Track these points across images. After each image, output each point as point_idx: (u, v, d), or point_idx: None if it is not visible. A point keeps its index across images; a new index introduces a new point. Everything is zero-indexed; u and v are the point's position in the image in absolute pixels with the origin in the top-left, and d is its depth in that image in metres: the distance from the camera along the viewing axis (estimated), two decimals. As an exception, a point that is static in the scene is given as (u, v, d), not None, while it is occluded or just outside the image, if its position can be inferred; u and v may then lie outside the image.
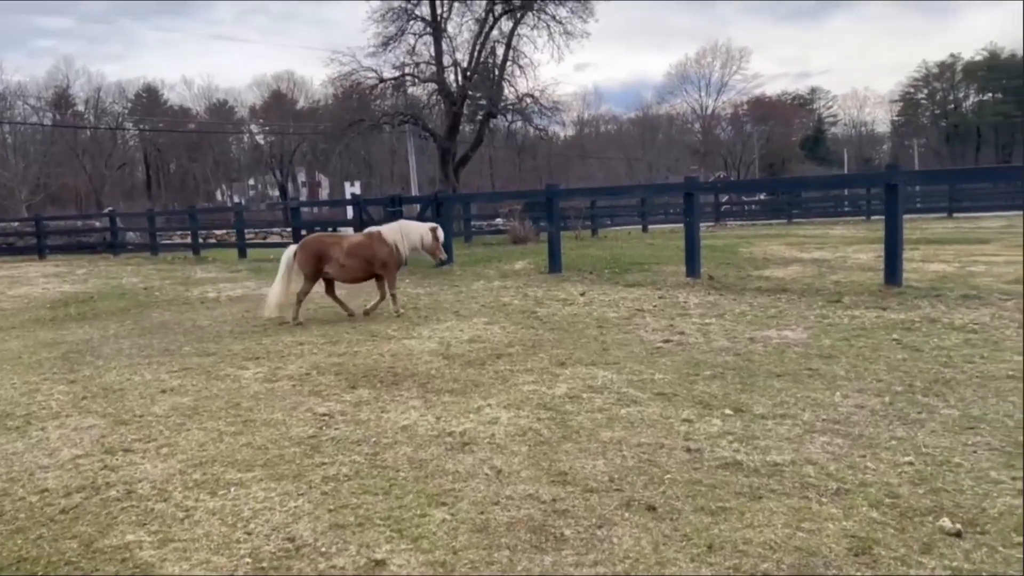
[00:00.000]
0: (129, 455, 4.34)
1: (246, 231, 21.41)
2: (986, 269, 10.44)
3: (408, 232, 9.04)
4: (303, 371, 6.19)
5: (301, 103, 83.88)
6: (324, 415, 4.91)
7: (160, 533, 3.33)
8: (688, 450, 4.04)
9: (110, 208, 34.99)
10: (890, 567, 2.80)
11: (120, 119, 79.01)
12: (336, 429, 4.62)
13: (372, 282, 9.07)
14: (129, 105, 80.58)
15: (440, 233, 9.17)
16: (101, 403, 5.50)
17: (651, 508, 3.34)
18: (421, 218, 14.11)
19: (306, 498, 3.61)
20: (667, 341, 6.74)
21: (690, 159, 79.63)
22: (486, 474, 3.81)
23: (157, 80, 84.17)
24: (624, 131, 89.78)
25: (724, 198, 35.25)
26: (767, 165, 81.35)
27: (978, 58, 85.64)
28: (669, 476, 3.70)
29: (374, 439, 4.40)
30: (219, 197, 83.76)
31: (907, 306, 7.71)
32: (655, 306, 8.59)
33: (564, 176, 68.91)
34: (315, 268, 8.72)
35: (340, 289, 9.23)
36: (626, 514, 3.30)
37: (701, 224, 25.27)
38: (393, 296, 9.00)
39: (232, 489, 3.76)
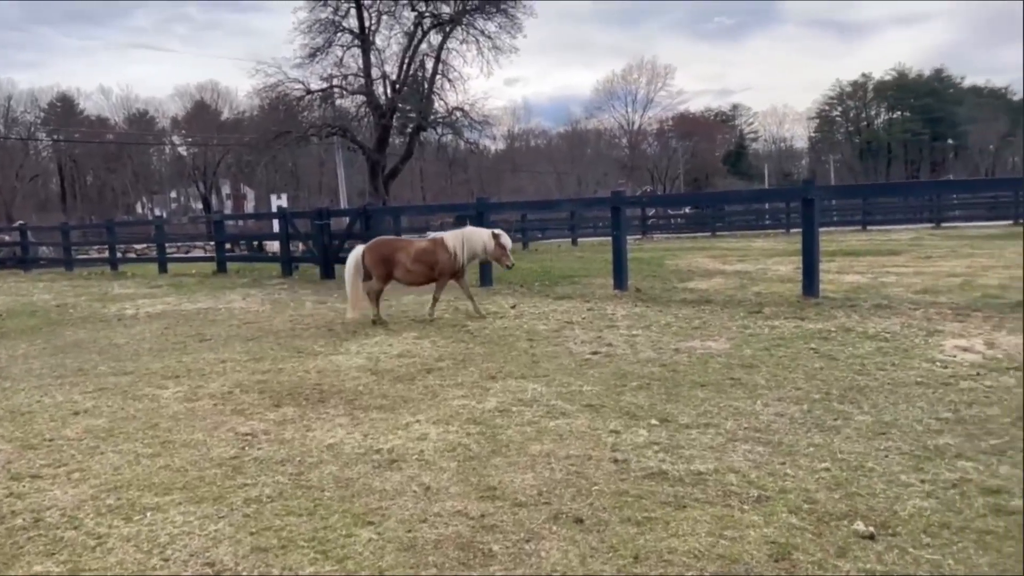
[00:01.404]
0: (37, 481, 4.12)
1: (168, 245, 20.72)
2: (897, 280, 10.93)
3: (470, 240, 9.03)
4: (225, 389, 6.01)
5: (226, 114, 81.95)
6: (247, 435, 4.78)
7: (70, 563, 3.17)
8: (615, 461, 4.08)
9: (20, 222, 33.36)
10: (808, 571, 2.88)
11: (32, 129, 75.63)
12: (259, 449, 4.50)
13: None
14: (43, 114, 77.26)
15: (505, 240, 9.10)
16: (8, 427, 5.22)
17: (579, 520, 3.36)
18: (349, 231, 13.94)
19: (227, 521, 3.50)
20: (595, 353, 6.82)
21: (618, 173, 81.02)
22: (414, 491, 3.76)
23: (73, 89, 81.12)
24: (554, 145, 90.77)
25: (651, 211, 36.01)
26: (692, 180, 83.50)
27: (887, 78, 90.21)
28: (597, 488, 3.73)
29: (298, 459, 4.30)
30: (139, 210, 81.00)
31: (824, 316, 7.99)
32: (584, 318, 8.68)
33: (495, 189, 69.14)
34: (386, 270, 8.87)
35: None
36: (554, 527, 3.31)
37: (629, 237, 25.71)
38: (435, 301, 9.13)
39: (148, 514, 3.61)
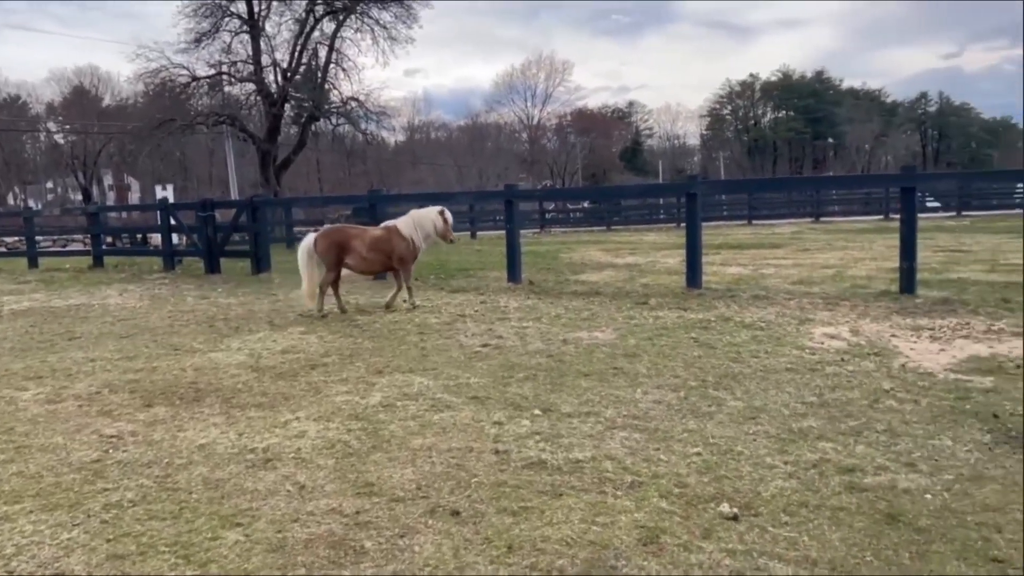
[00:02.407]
0: None
1: (43, 239, 19.45)
2: (776, 271, 11.46)
3: (421, 222, 8.91)
4: (93, 390, 5.68)
5: (107, 100, 77.55)
6: (112, 437, 4.52)
7: (-103, 583, 2.91)
8: (496, 452, 4.09)
9: None
10: (674, 554, 2.96)
11: None
12: (124, 451, 4.26)
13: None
14: None
15: (448, 215, 9.03)
16: None
17: (455, 513, 3.34)
18: (235, 224, 13.45)
19: (82, 528, 3.30)
20: (485, 345, 6.82)
21: (519, 168, 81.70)
22: (287, 491, 3.65)
23: (-70, 70, 74.78)
24: (454, 138, 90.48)
25: (551, 205, 36.48)
26: (590, 175, 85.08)
27: (773, 78, 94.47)
28: (476, 480, 3.72)
29: (166, 460, 4.10)
30: (11, 201, 75.72)
31: (705, 306, 8.29)
32: (477, 311, 8.68)
33: (395, 181, 68.38)
34: (337, 258, 8.61)
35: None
36: (430, 521, 3.28)
37: (528, 231, 25.69)
38: (409, 289, 8.99)
39: (-7, 526, 3.36)
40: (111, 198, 77.90)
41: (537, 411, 4.78)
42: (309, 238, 8.74)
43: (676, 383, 5.32)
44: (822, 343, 6.39)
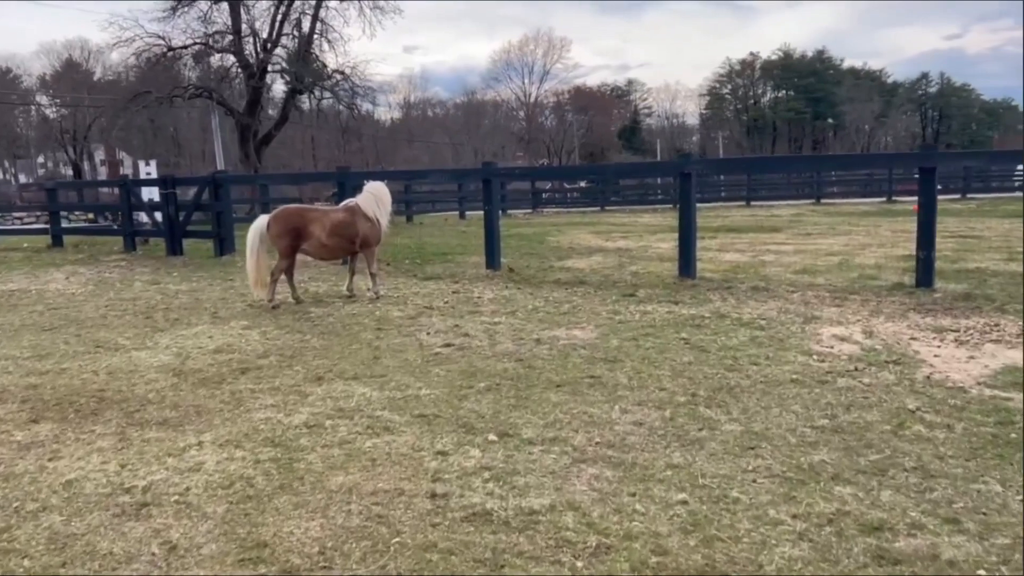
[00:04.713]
0: None
1: (10, 216, 18.52)
2: (776, 259, 10.61)
3: (382, 197, 8.11)
4: (-22, 399, 4.84)
5: (99, 74, 75.94)
6: (-34, 468, 3.69)
7: None
8: (433, 496, 3.27)
9: None
10: (644, 671, 2.14)
11: None
12: (-30, 491, 3.43)
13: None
14: None
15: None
16: None
17: (359, 596, 2.52)
18: (196, 202, 12.53)
19: None
20: (448, 345, 5.99)
21: (515, 146, 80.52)
22: (152, 555, 2.83)
23: (-88, 41, 73.19)
24: (451, 116, 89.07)
25: (547, 185, 35.48)
26: (587, 153, 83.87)
27: (774, 57, 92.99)
28: (399, 540, 2.91)
29: (16, 504, 3.27)
30: (1, 175, 74.65)
31: (699, 300, 7.44)
32: (446, 302, 7.84)
33: (391, 159, 67.16)
34: (292, 244, 7.69)
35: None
36: (323, 608, 2.46)
37: (519, 211, 24.67)
38: (373, 276, 8.15)
39: None
40: (103, 173, 76.76)
41: (492, 436, 3.95)
42: (261, 220, 7.87)
43: (661, 398, 4.49)
44: (831, 347, 5.55)
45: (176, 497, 3.31)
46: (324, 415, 4.35)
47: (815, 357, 5.27)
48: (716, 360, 5.27)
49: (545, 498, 3.22)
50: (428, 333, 6.43)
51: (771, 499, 3.17)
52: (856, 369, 4.97)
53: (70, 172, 74.36)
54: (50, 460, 3.77)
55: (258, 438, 4.01)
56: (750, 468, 3.48)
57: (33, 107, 77.91)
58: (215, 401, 4.69)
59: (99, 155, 78.28)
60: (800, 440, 3.82)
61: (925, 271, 7.56)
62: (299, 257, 8.04)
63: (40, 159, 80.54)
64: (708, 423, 4.08)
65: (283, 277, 7.91)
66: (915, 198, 27.84)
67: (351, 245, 8.01)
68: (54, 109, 76.07)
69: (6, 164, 77.71)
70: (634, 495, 3.23)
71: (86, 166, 75.49)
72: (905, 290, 7.64)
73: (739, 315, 6.68)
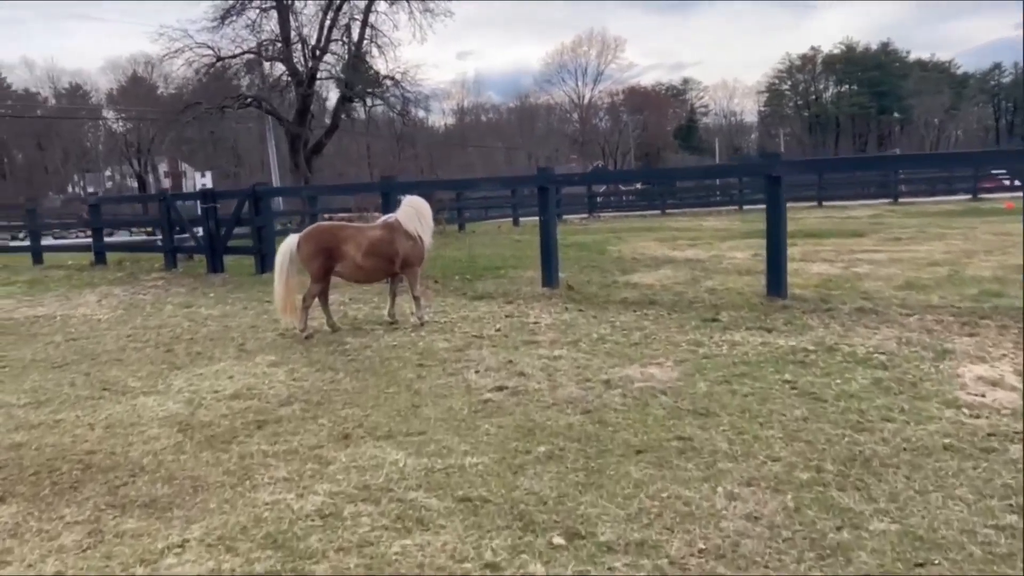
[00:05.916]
0: None
1: (47, 233, 18.34)
2: (872, 270, 9.38)
3: (423, 212, 7.32)
4: (-54, 466, 4.09)
5: (161, 87, 77.61)
6: None
7: None
8: (479, 645, 2.32)
9: None
10: None
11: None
12: None
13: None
14: (-46, 89, 72.18)
15: None
16: None
17: None
18: (237, 217, 11.89)
19: None
20: (500, 389, 5.05)
21: (569, 149, 79.40)
22: None
23: (-7, 60, 75.86)
24: (504, 120, 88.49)
25: (601, 188, 34.28)
26: (643, 154, 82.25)
27: (836, 51, 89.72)
28: None
29: (-79, 652, 2.45)
30: (70, 189, 77.06)
31: (796, 327, 6.33)
32: (498, 329, 6.90)
33: (445, 166, 66.93)
34: (324, 265, 6.92)
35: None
36: None
37: (576, 216, 23.48)
38: (416, 300, 7.31)
39: None
40: (167, 184, 78.61)
41: (558, 536, 3.00)
42: (291, 240, 7.06)
43: (777, 475, 3.46)
44: (982, 395, 4.42)
45: (130, 643, 2.44)
46: (344, 496, 3.45)
47: (965, 412, 4.15)
48: (837, 415, 4.19)
49: (639, 658, 2.25)
50: (477, 371, 5.51)
51: (978, 669, 2.13)
52: (1025, 429, 3.85)
53: (135, 184, 76.23)
54: (-9, 570, 2.95)
55: (258, 535, 3.13)
56: (926, 602, 2.45)
57: (101, 122, 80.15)
58: (218, 471, 3.84)
59: (163, 167, 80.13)
60: (984, 550, 2.76)
61: (1069, 289, 6.30)
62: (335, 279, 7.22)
63: (107, 172, 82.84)
64: (847, 518, 3.04)
65: (316, 302, 7.10)
66: (1004, 195, 25.61)
67: (390, 266, 7.15)
68: (120, 123, 78.15)
69: (75, 178, 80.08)
70: (768, 656, 2.23)
71: (150, 178, 77.29)
72: (1044, 311, 6.40)
73: (851, 348, 5.55)
